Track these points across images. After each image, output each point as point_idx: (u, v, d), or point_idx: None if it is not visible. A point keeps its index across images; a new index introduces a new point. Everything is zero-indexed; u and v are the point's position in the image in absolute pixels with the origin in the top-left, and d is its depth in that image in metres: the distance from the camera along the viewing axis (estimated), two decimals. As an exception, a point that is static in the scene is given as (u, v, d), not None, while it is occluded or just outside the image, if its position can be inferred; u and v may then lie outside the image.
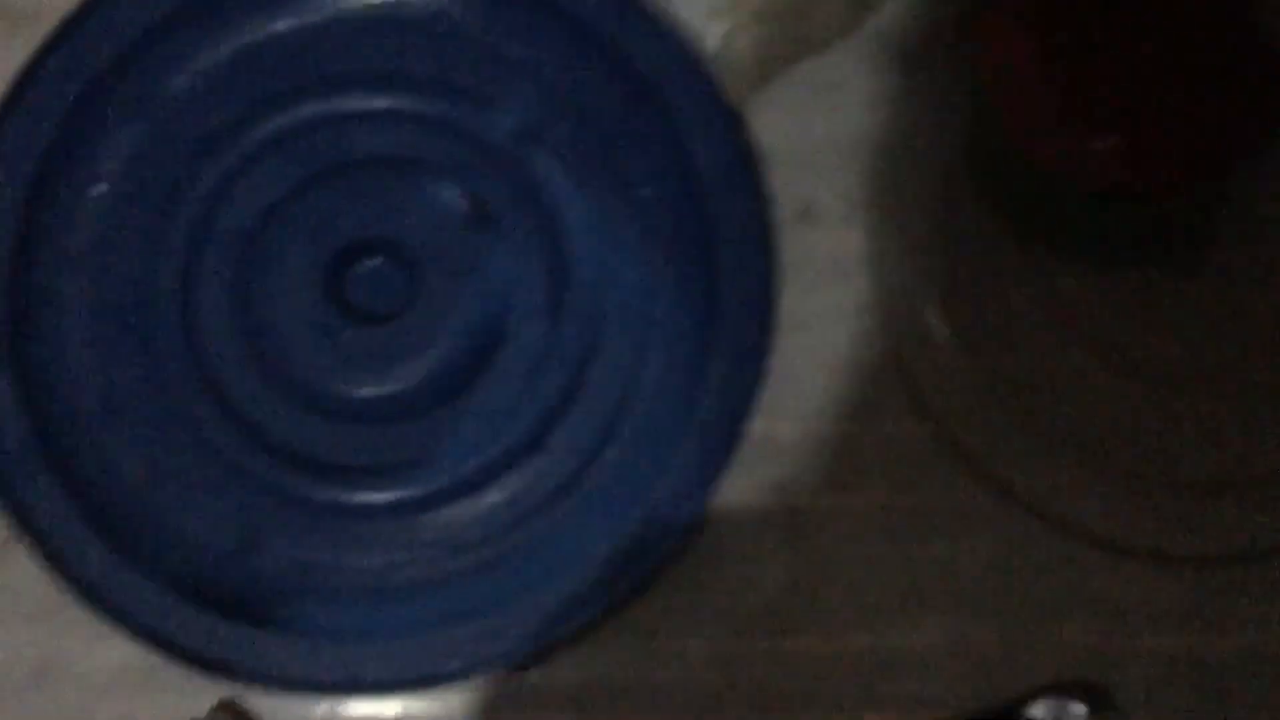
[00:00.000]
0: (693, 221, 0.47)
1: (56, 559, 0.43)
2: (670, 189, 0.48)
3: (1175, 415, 0.46)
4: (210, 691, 0.43)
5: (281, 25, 0.48)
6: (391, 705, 0.45)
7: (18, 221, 0.45)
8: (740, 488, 0.46)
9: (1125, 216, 0.46)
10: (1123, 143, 0.42)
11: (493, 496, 0.46)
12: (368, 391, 0.46)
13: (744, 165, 0.47)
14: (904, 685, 0.45)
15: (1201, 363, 0.46)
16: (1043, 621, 0.45)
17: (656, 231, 0.48)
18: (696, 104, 0.47)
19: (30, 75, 0.46)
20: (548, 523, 0.46)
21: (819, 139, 0.50)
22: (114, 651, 0.44)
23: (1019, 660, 0.45)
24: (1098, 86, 0.43)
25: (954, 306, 0.47)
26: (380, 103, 0.49)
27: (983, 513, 0.46)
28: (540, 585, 0.44)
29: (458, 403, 0.46)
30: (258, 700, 0.44)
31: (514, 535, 0.45)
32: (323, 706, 0.44)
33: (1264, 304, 0.47)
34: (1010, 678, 0.45)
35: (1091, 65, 0.43)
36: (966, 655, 0.45)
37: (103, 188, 0.47)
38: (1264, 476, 0.45)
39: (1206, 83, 0.43)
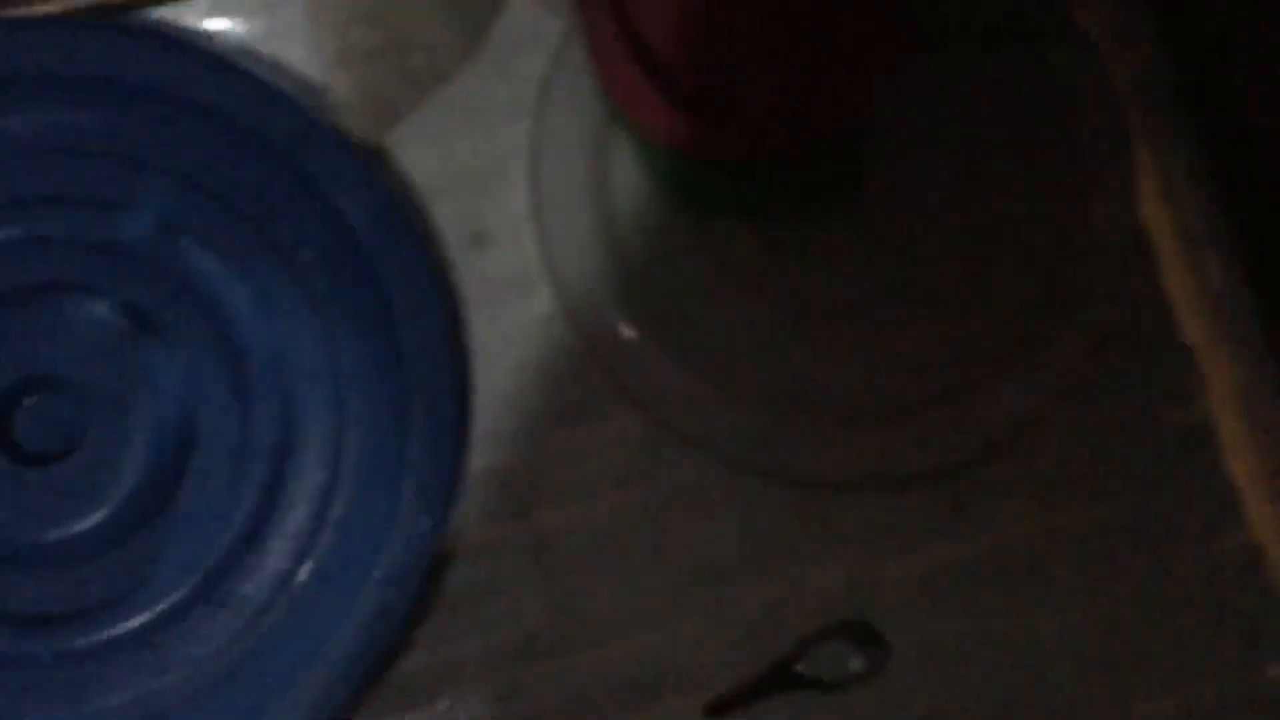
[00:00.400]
0: (359, 275, 0.46)
1: None
2: (329, 249, 0.46)
3: (859, 351, 0.47)
4: None
5: None
6: None
7: None
8: (478, 524, 0.46)
9: (772, 173, 0.46)
10: (719, 115, 0.41)
11: (219, 606, 0.44)
12: (56, 534, 0.43)
13: (393, 207, 0.46)
14: (681, 672, 0.45)
15: (871, 294, 0.47)
16: (794, 575, 0.46)
17: (325, 295, 0.46)
18: (330, 159, 0.46)
19: None
20: (284, 619, 0.44)
21: (472, 163, 0.49)
22: None
23: (782, 616, 0.45)
24: (696, 67, 0.41)
25: (633, 294, 0.47)
26: (13, 232, 0.46)
27: (715, 486, 0.46)
28: (286, 686, 0.42)
29: (160, 524, 0.44)
30: None
31: (246, 640, 0.43)
32: None
33: (918, 238, 0.48)
34: (779, 636, 0.45)
35: (683, 35, 0.41)
36: (733, 624, 0.46)
37: None
38: (938, 398, 0.46)
39: (806, 45, 0.41)
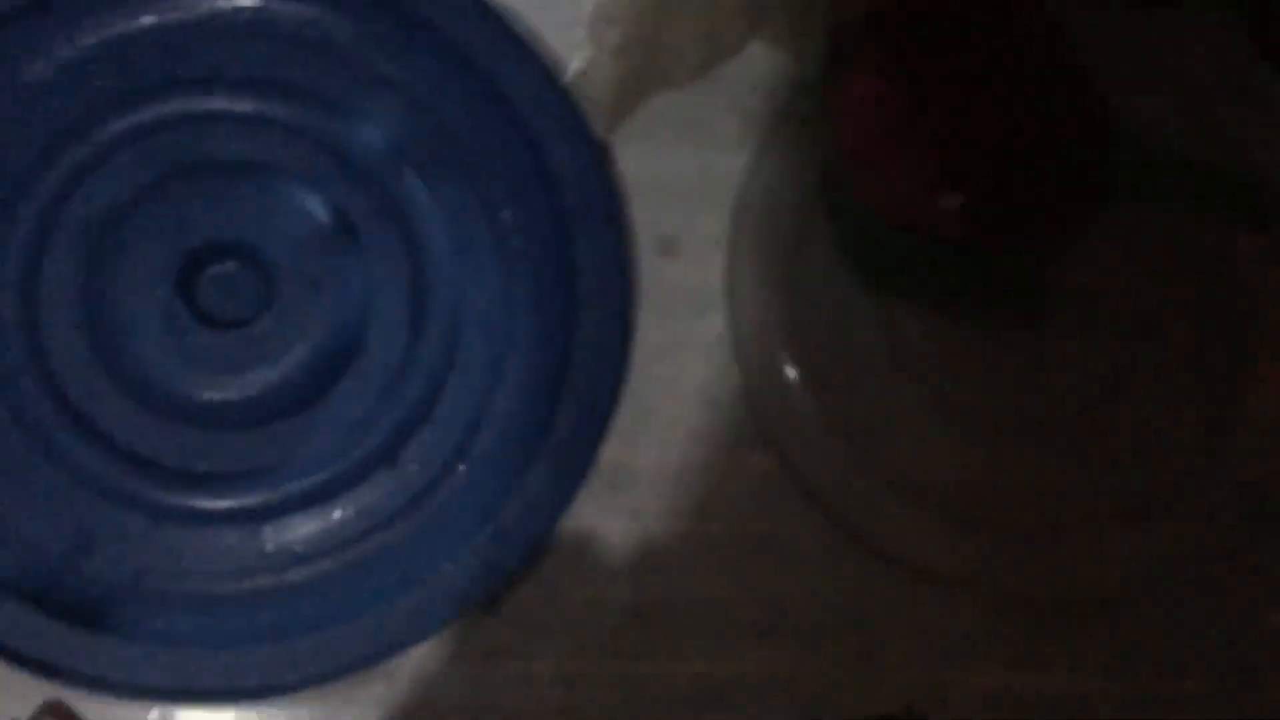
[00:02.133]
0: (553, 248, 0.47)
1: None
2: (532, 214, 0.48)
3: (1007, 461, 0.48)
4: (37, 692, 0.42)
5: (147, 21, 0.47)
6: (224, 715, 0.44)
7: None
8: (591, 511, 0.47)
9: (965, 267, 0.48)
10: (961, 202, 0.44)
11: (340, 509, 0.45)
12: (214, 395, 0.45)
13: (606, 195, 0.48)
14: (738, 713, 0.46)
15: (1033, 412, 0.48)
16: (874, 654, 0.47)
17: (517, 255, 0.48)
18: (563, 132, 0.48)
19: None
20: (395, 537, 0.45)
21: (682, 175, 0.51)
22: (-62, 649, 0.42)
23: (849, 691, 0.46)
24: (941, 146, 0.45)
25: (803, 346, 0.48)
26: (245, 106, 0.48)
27: (823, 546, 0.47)
28: (384, 601, 0.43)
29: (309, 413, 0.46)
30: (85, 704, 0.42)
31: (360, 548, 0.45)
32: (153, 713, 0.43)
33: (1092, 359, 0.49)
34: (840, 708, 0.46)
35: (936, 125, 0.45)
36: (800, 685, 0.47)
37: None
38: (1089, 526, 0.47)
39: (1046, 147, 0.46)
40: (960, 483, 0.47)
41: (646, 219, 0.50)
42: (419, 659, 0.45)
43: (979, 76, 0.46)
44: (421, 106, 0.49)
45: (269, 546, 0.45)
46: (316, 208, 0.47)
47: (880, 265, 0.49)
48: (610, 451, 0.47)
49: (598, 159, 0.48)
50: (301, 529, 0.45)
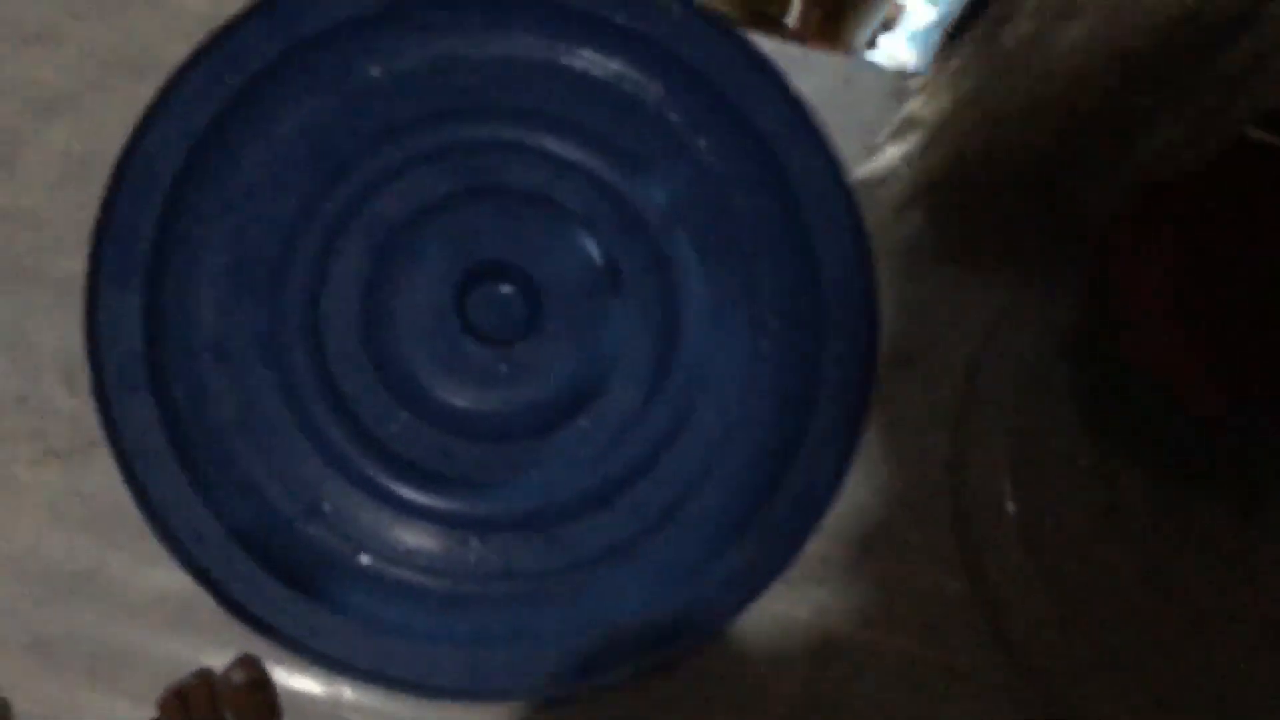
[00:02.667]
0: (804, 337, 0.49)
1: (131, 474, 0.44)
2: (791, 301, 0.50)
3: (1210, 646, 0.47)
4: (235, 644, 0.44)
5: (478, 49, 0.51)
6: (396, 705, 0.45)
7: (188, 156, 0.47)
8: (782, 596, 0.47)
9: (1206, 441, 0.48)
10: (1236, 378, 0.44)
11: (548, 539, 0.47)
12: (463, 403, 0.48)
13: (866, 300, 0.49)
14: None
15: (1241, 599, 0.48)
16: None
17: (768, 335, 0.49)
18: (838, 231, 0.49)
19: (237, 26, 0.48)
20: (597, 576, 0.47)
21: (934, 294, 0.52)
22: (160, 578, 0.45)
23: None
24: (1230, 320, 0.45)
25: (1025, 484, 0.49)
26: (549, 144, 0.51)
27: (1002, 685, 0.47)
28: (576, 633, 0.45)
29: (542, 440, 0.48)
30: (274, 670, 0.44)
31: (560, 580, 0.47)
32: (330, 688, 0.45)
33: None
34: None
35: (1223, 297, 0.46)
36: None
37: (267, 152, 0.49)
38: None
39: None
40: (1157, 659, 0.47)
41: (893, 329, 0.51)
42: (590, 700, 0.46)
43: (1269, 256, 0.46)
44: (707, 175, 0.51)
45: (473, 556, 0.47)
46: (592, 250, 0.49)
47: (1119, 423, 0.49)
48: (812, 544, 0.48)
49: (865, 263, 0.49)
50: (507, 547, 0.47)
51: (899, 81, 0.54)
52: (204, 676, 0.42)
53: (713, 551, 0.46)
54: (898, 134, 0.50)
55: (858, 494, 0.49)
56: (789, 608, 0.48)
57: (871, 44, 0.60)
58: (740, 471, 0.48)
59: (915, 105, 0.49)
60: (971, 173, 0.46)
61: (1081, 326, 0.50)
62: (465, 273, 0.48)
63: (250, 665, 0.43)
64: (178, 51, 0.47)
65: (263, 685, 0.42)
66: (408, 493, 0.47)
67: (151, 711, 0.34)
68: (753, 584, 0.46)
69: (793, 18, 0.58)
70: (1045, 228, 0.52)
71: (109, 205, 0.46)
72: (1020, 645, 0.47)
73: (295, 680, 0.45)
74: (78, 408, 0.46)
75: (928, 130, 0.47)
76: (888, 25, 0.60)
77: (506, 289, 0.49)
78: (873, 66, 0.56)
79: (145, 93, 0.47)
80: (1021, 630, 0.47)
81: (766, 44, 0.52)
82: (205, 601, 0.43)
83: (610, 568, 0.47)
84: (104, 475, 0.44)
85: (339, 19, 0.49)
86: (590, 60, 0.51)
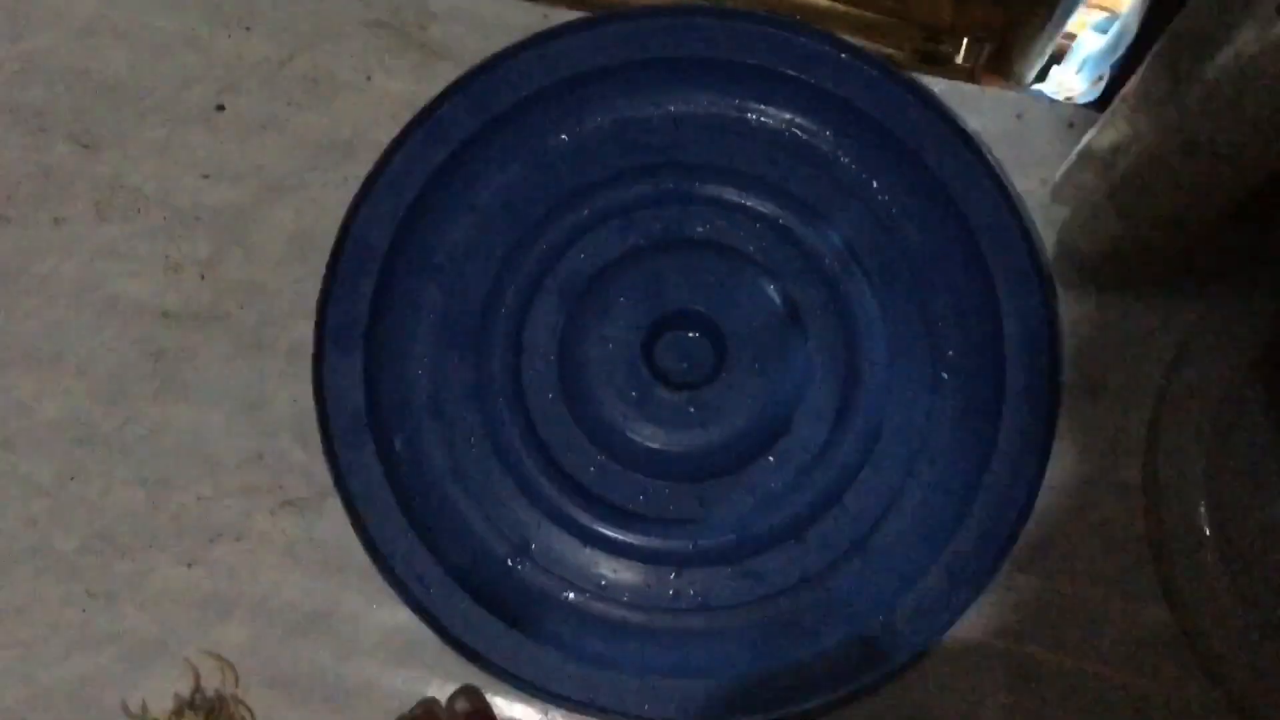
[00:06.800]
0: (986, 372, 0.50)
1: (359, 521, 0.48)
2: (971, 337, 0.51)
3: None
4: (457, 678, 0.48)
5: (658, 110, 0.54)
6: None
7: (398, 227, 0.51)
8: (976, 623, 0.49)
9: None
10: None
11: (743, 572, 0.49)
12: (656, 446, 0.50)
13: (1048, 333, 0.49)
14: None
15: None
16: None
17: (949, 370, 0.51)
18: (1018, 267, 0.50)
19: (437, 105, 0.52)
20: (788, 609, 0.49)
21: (1121, 320, 0.52)
22: (386, 618, 0.49)
23: None
24: None
25: (1222, 507, 0.48)
26: (728, 194, 0.53)
27: (1203, 712, 0.47)
28: (772, 663, 0.47)
29: (733, 478, 0.50)
30: (495, 700, 0.48)
31: (754, 611, 0.49)
32: (543, 716, 0.48)
33: None
34: None
35: None
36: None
37: (469, 219, 0.53)
38: None
39: None
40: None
41: (1077, 356, 0.52)
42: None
43: None
44: (883, 217, 0.53)
45: (671, 590, 0.49)
46: (773, 295, 0.52)
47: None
48: (1004, 572, 0.49)
49: (1045, 294, 0.49)
50: (704, 581, 0.49)
51: (1072, 113, 0.54)
52: (429, 706, 0.46)
53: (903, 582, 0.48)
54: (1077, 166, 0.50)
55: (1047, 520, 0.49)
56: (982, 635, 0.49)
57: (1042, 77, 0.60)
58: (925, 503, 0.49)
59: (1093, 136, 0.49)
60: (1162, 202, 0.46)
61: (1273, 345, 0.50)
62: (653, 322, 0.51)
63: (473, 695, 0.47)
64: (385, 132, 0.52)
65: (484, 713, 0.45)
66: (608, 531, 0.50)
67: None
68: (943, 614, 0.47)
69: (961, 56, 0.59)
70: (1233, 247, 0.51)
71: (330, 276, 0.50)
72: (1220, 673, 0.47)
73: (512, 709, 0.48)
74: (309, 462, 0.50)
75: (1109, 160, 0.47)
76: (1057, 57, 0.60)
77: (692, 335, 0.52)
78: (1044, 99, 0.57)
79: (358, 171, 0.51)
80: (1221, 658, 0.46)
81: (937, 84, 0.54)
82: (428, 637, 0.47)
83: (801, 600, 0.49)
84: (335, 523, 0.49)
85: (528, 92, 0.52)
86: (762, 112, 0.54)
